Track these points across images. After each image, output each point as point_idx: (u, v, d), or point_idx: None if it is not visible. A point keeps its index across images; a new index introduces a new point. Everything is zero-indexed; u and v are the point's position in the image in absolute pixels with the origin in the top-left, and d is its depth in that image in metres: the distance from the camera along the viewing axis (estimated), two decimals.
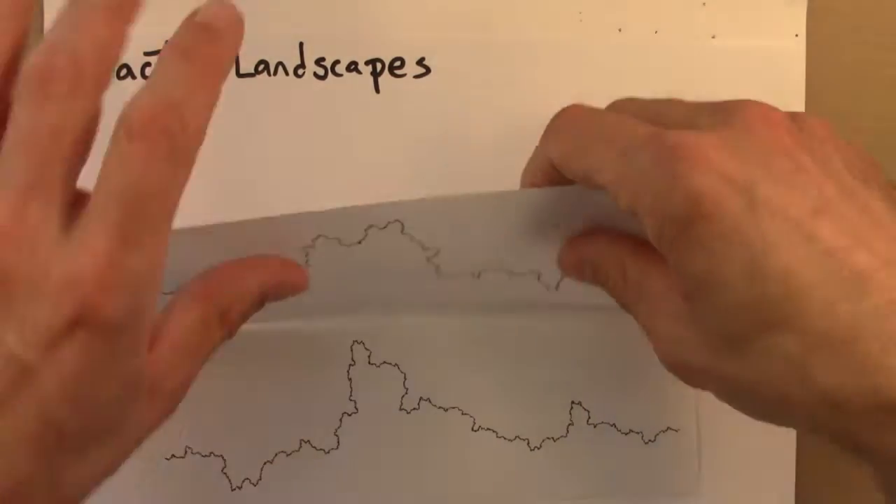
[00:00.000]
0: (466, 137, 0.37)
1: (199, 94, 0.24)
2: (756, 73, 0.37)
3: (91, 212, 0.23)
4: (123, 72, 0.35)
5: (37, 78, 0.22)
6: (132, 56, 0.35)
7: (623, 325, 0.31)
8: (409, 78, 0.36)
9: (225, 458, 0.36)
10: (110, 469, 0.26)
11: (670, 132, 0.25)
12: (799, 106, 0.37)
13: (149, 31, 0.36)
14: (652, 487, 0.38)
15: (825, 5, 0.38)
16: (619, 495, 0.38)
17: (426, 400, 0.37)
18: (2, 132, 0.23)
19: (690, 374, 0.27)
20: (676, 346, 0.27)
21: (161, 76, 0.24)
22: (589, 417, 0.37)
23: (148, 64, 0.35)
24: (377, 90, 0.36)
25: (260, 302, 0.30)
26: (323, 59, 0.36)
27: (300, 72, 0.36)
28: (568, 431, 0.37)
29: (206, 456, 0.36)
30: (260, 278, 0.29)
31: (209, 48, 0.24)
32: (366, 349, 0.36)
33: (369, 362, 0.36)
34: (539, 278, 0.33)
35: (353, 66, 0.36)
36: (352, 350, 0.36)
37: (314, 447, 0.37)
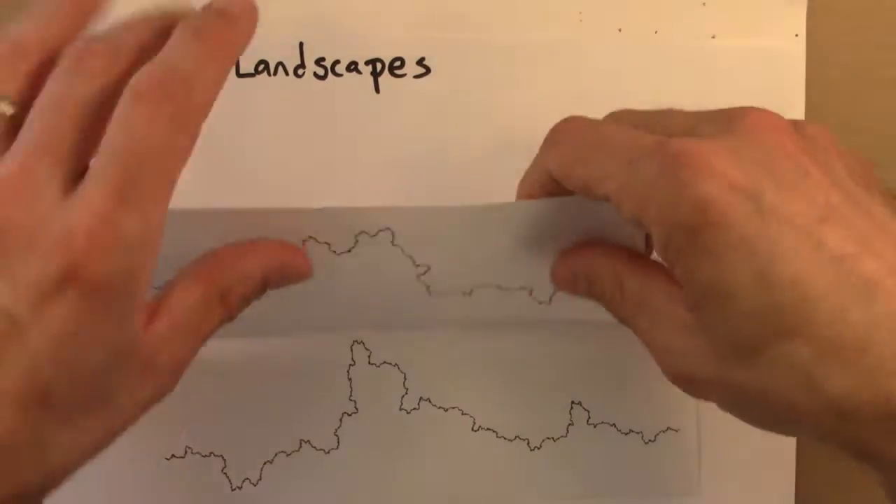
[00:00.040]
0: (466, 138, 0.37)
1: (208, 69, 0.25)
2: (756, 73, 0.37)
3: (92, 172, 0.23)
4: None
5: (75, 55, 0.25)
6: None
7: (622, 327, 0.31)
8: (409, 78, 0.36)
9: (225, 458, 0.36)
10: (100, 443, 0.26)
11: (674, 140, 0.25)
12: (799, 106, 0.37)
13: None
14: (652, 487, 0.38)
15: (825, 5, 0.38)
16: (619, 495, 0.38)
17: (426, 400, 0.37)
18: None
19: (695, 385, 0.27)
20: (680, 357, 0.27)
21: (171, 50, 0.25)
22: (589, 417, 0.37)
23: None
24: (377, 90, 0.36)
25: (262, 286, 0.29)
26: (323, 59, 0.36)
27: (300, 72, 0.36)
28: (568, 431, 0.37)
29: (206, 456, 0.36)
30: (262, 261, 0.29)
31: (222, 29, 0.25)
32: (366, 349, 0.36)
33: (369, 362, 0.36)
34: (531, 293, 0.33)
35: (353, 66, 0.36)
36: (352, 350, 0.36)
37: (314, 447, 0.37)
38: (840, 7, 0.38)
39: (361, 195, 0.36)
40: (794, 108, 0.37)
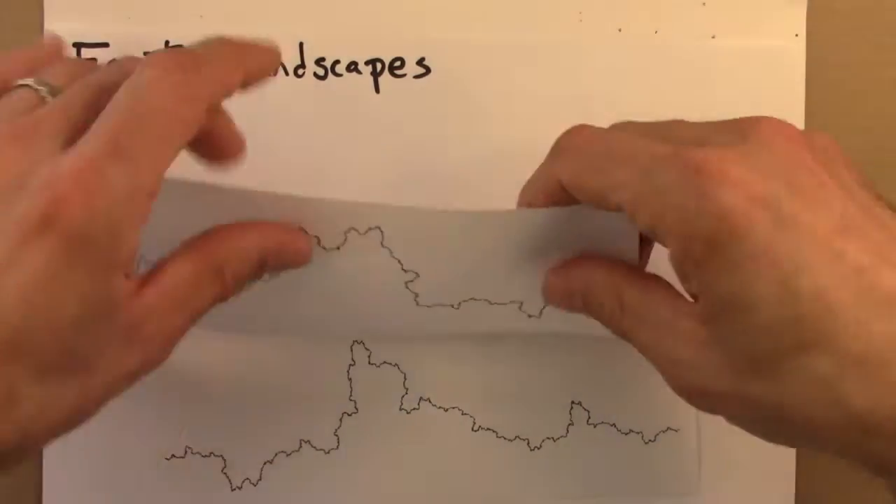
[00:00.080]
0: (466, 138, 0.37)
1: (223, 62, 0.26)
2: (756, 73, 0.37)
3: (93, 126, 0.24)
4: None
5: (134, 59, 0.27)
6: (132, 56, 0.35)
7: None
8: (409, 78, 0.36)
9: (225, 458, 0.36)
10: (79, 407, 0.25)
11: (692, 149, 0.25)
12: (799, 106, 0.37)
13: (149, 31, 0.36)
14: (652, 487, 0.38)
15: (825, 5, 0.38)
16: (619, 495, 0.38)
17: (426, 400, 0.37)
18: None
19: (705, 399, 0.27)
20: (690, 370, 0.26)
21: (193, 44, 0.27)
22: (589, 417, 0.37)
23: None
24: (377, 90, 0.36)
25: (259, 265, 0.29)
26: (323, 59, 0.36)
27: (300, 72, 0.36)
28: (568, 431, 0.37)
29: (206, 456, 0.36)
30: (260, 240, 0.28)
31: (248, 47, 0.28)
32: (366, 349, 0.36)
33: (369, 362, 0.36)
34: (521, 307, 0.32)
35: (353, 66, 0.36)
36: (352, 350, 0.36)
37: (314, 447, 0.37)
38: (840, 7, 0.38)
39: (360, 195, 0.36)
40: (794, 108, 0.37)
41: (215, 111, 0.28)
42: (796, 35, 0.37)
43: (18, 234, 0.22)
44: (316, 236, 0.30)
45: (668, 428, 0.37)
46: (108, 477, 0.36)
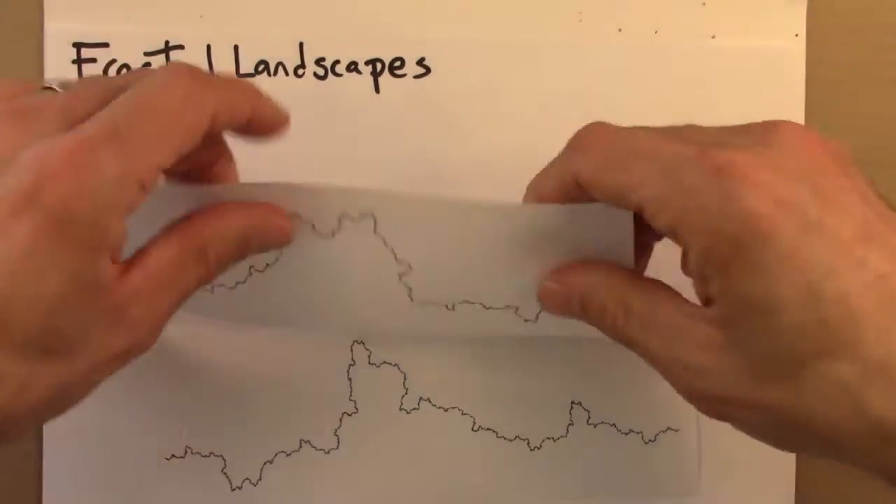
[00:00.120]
0: (466, 138, 0.37)
1: (236, 91, 0.27)
2: (756, 73, 0.37)
3: (96, 114, 0.24)
4: (124, 72, 0.35)
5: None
6: (132, 56, 0.35)
7: None
8: (409, 78, 0.36)
9: (225, 458, 0.36)
10: (58, 390, 0.25)
11: (718, 149, 0.25)
12: (799, 106, 0.37)
13: (149, 31, 0.36)
14: (652, 487, 0.38)
15: (825, 5, 0.38)
16: (619, 495, 0.37)
17: (426, 400, 0.37)
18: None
19: (717, 405, 0.26)
20: (703, 376, 0.26)
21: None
22: (589, 417, 0.37)
23: (148, 64, 0.35)
24: (377, 90, 0.36)
25: (241, 246, 0.29)
26: (323, 59, 0.36)
27: (300, 72, 0.36)
28: (568, 431, 0.37)
29: (206, 456, 0.36)
30: (241, 220, 0.28)
31: (263, 95, 0.28)
32: (366, 349, 0.36)
33: (369, 362, 0.36)
34: (517, 311, 0.32)
35: (353, 66, 0.36)
36: (352, 350, 0.36)
37: (314, 447, 0.37)
38: (840, 7, 0.38)
39: None
40: (794, 108, 0.37)
41: (217, 143, 0.29)
42: (796, 35, 0.37)
43: (8, 206, 0.23)
44: (311, 222, 0.30)
45: (668, 428, 0.37)
46: (108, 476, 0.36)
